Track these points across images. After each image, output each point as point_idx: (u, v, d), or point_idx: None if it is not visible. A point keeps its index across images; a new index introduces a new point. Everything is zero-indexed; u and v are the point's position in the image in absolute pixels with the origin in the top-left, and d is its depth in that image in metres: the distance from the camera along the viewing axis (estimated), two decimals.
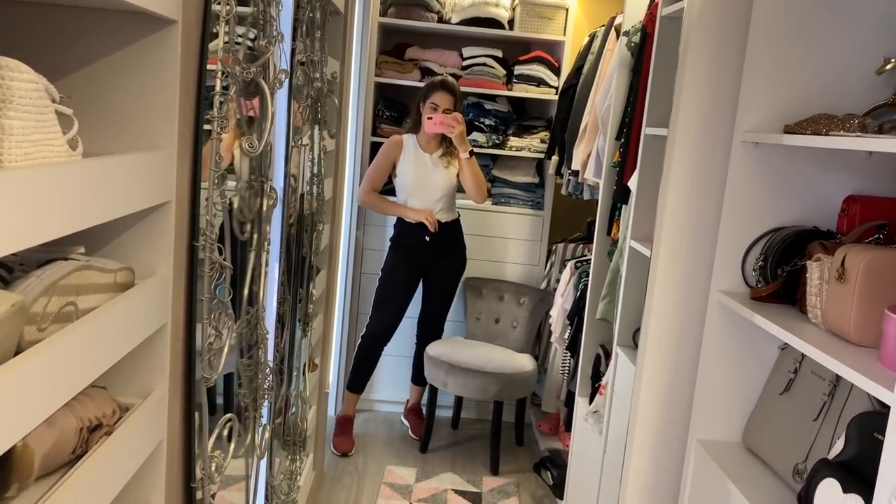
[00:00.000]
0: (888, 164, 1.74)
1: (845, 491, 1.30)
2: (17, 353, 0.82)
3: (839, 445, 1.41)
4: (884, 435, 1.17)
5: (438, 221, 3.55)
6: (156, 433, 1.18)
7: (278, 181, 1.72)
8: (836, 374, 1.54)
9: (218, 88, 1.18)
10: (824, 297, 1.48)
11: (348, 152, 3.67)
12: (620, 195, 2.75)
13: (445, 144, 3.54)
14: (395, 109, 3.94)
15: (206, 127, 1.24)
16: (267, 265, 1.66)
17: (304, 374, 2.34)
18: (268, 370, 1.75)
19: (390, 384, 4.01)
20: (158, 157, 1.11)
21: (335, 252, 3.06)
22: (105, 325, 0.99)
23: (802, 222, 1.79)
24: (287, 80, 1.77)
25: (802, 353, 1.70)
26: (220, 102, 1.19)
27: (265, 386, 1.74)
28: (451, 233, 3.63)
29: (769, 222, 1.79)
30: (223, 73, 1.20)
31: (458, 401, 3.94)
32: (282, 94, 1.75)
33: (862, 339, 1.40)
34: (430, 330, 3.77)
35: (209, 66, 1.25)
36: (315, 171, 2.28)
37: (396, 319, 3.64)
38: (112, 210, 0.99)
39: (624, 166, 2.71)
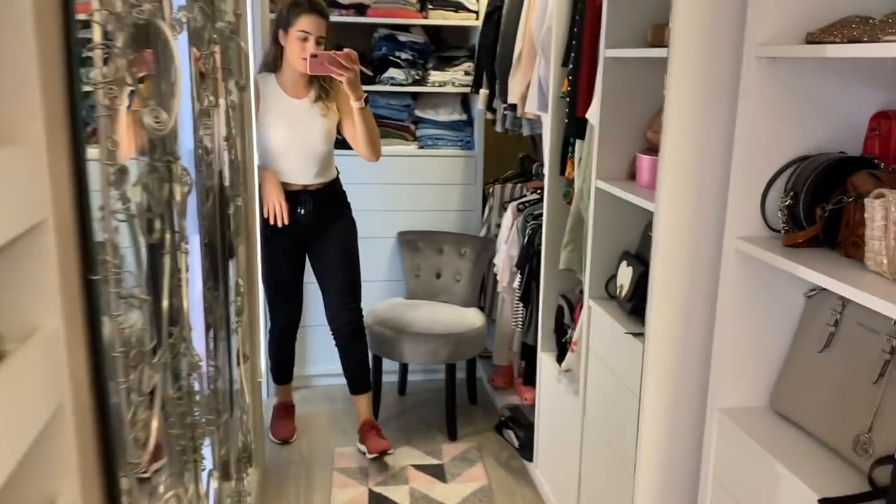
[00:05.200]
0: None
1: None
2: None
3: None
4: None
5: (313, 188, 2.86)
6: None
7: (188, 157, 1.31)
8: None
9: (97, 39, 0.77)
10: (892, 242, 1.22)
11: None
12: (575, 129, 2.44)
13: (318, 85, 2.81)
14: None
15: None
16: (188, 270, 1.26)
17: (242, 379, 1.96)
18: (199, 398, 1.37)
19: (324, 356, 3.60)
20: (17, 157, 0.71)
21: (252, 225, 2.64)
22: None
23: (826, 148, 1.52)
24: (186, 22, 1.34)
25: (842, 303, 1.46)
26: (105, 59, 0.78)
27: (203, 420, 1.36)
28: (330, 198, 2.94)
29: (790, 151, 1.51)
30: (104, 12, 0.79)
31: (404, 364, 3.63)
32: (180, 42, 1.33)
33: None
34: (343, 322, 2.99)
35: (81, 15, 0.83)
36: (225, 133, 1.86)
37: (296, 306, 3.14)
38: None
39: (575, 96, 2.40)
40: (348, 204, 3.03)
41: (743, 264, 1.55)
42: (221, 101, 1.64)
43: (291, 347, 3.23)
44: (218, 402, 1.53)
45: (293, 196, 2.84)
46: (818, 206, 1.40)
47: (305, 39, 2.69)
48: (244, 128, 2.52)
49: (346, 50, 2.62)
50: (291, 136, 2.79)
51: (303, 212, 2.86)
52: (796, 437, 1.50)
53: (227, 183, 1.89)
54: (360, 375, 3.11)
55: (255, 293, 2.73)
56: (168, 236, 1.23)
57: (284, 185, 2.82)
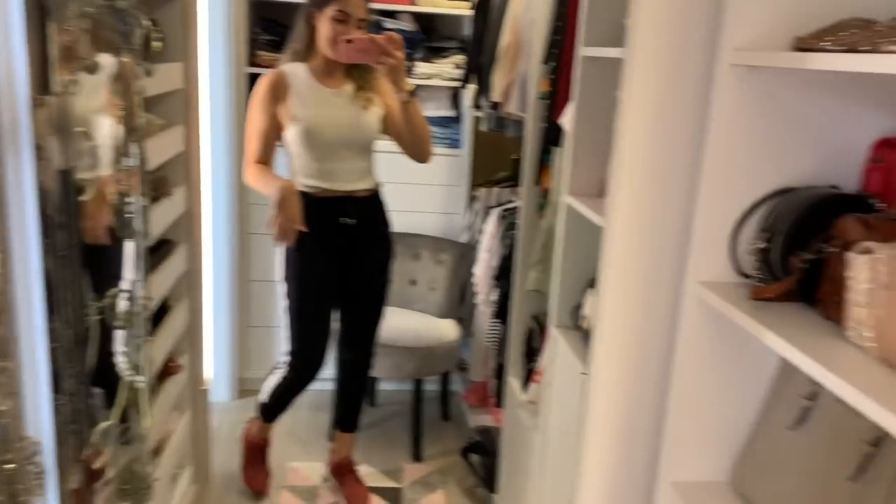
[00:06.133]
0: None
1: None
2: None
3: None
4: None
5: (358, 195, 2.44)
6: None
7: (25, 151, 1.07)
8: None
9: None
10: (880, 311, 0.95)
11: (209, 90, 2.96)
12: (552, 135, 2.18)
13: (357, 73, 2.41)
14: (275, 33, 3.21)
15: None
16: None
17: (142, 401, 1.73)
18: (30, 445, 1.14)
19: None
20: None
21: (196, 220, 2.40)
22: None
23: (814, 180, 1.25)
24: None
25: None
26: None
27: (33, 471, 1.13)
28: (376, 209, 2.53)
29: (770, 181, 1.24)
30: None
31: None
32: (11, 8, 1.09)
33: None
34: (353, 359, 2.70)
35: None
36: (130, 124, 1.62)
37: (324, 340, 2.58)
38: None
39: (555, 98, 2.13)
40: (389, 225, 2.60)
41: (705, 314, 1.28)
42: (93, 85, 1.40)
43: (302, 392, 2.68)
44: (71, 446, 1.30)
45: (337, 203, 2.41)
46: (796, 254, 1.13)
47: (343, 21, 2.26)
48: (189, 116, 2.29)
49: (387, 33, 2.21)
50: (331, 132, 2.36)
51: (349, 222, 2.43)
52: None
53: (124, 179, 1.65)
54: (352, 414, 2.80)
55: (197, 297, 2.50)
56: None
57: (326, 190, 2.40)
